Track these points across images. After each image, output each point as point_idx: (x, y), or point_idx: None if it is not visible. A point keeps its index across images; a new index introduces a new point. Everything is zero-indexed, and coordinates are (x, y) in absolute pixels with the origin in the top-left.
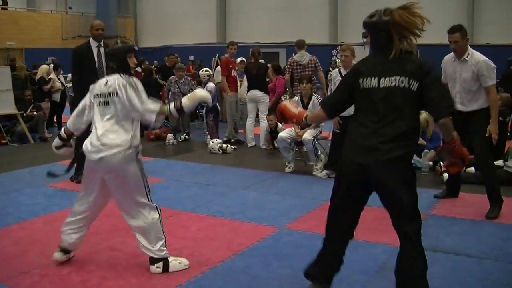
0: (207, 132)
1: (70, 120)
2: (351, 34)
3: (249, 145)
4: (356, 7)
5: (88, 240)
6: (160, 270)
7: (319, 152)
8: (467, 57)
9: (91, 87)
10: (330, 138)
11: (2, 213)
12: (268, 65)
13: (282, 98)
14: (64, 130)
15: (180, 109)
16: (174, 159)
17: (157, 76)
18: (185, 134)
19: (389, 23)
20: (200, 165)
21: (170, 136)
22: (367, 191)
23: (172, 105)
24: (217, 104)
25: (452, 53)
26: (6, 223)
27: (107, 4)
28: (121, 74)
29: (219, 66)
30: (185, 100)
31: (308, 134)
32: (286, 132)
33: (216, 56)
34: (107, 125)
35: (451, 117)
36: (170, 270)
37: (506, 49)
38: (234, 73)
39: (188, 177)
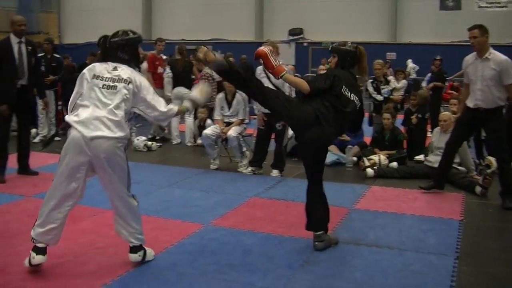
0: (134, 129)
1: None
2: (276, 31)
3: (174, 142)
4: (281, 4)
5: (9, 242)
6: (141, 258)
7: (244, 149)
8: (489, 55)
9: (88, 67)
10: (254, 135)
11: None
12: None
13: None
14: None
15: (197, 105)
16: None
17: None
18: None
19: (354, 53)
20: None
21: None
22: None
23: (187, 103)
24: None
25: (474, 52)
26: None
27: None
28: (133, 67)
29: (144, 63)
30: (198, 96)
31: (233, 131)
32: (210, 129)
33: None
34: (108, 112)
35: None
36: (146, 259)
37: (430, 48)
38: (160, 70)
39: None
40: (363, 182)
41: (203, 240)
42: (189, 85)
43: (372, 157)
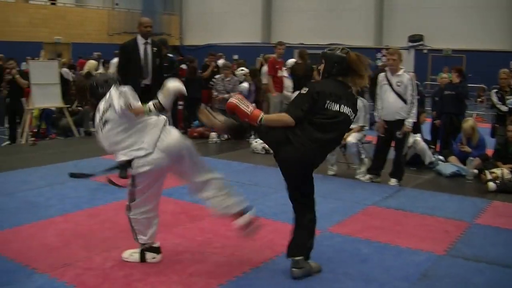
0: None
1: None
2: (395, 37)
3: None
4: (401, 10)
5: (130, 237)
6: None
7: (363, 156)
8: None
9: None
10: (374, 142)
11: (46, 205)
12: (313, 66)
13: None
14: None
15: (161, 108)
16: (216, 157)
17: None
18: None
19: (343, 59)
20: (242, 164)
21: (213, 134)
22: None
23: (151, 104)
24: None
25: None
26: (50, 215)
27: (153, 1)
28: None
29: (264, 66)
30: (161, 97)
31: (352, 138)
32: None
33: (261, 56)
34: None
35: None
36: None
37: None
38: (280, 73)
39: (230, 176)
40: (484, 196)
41: (320, 246)
42: None
43: (494, 170)
